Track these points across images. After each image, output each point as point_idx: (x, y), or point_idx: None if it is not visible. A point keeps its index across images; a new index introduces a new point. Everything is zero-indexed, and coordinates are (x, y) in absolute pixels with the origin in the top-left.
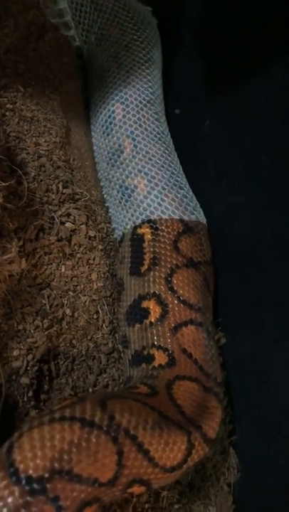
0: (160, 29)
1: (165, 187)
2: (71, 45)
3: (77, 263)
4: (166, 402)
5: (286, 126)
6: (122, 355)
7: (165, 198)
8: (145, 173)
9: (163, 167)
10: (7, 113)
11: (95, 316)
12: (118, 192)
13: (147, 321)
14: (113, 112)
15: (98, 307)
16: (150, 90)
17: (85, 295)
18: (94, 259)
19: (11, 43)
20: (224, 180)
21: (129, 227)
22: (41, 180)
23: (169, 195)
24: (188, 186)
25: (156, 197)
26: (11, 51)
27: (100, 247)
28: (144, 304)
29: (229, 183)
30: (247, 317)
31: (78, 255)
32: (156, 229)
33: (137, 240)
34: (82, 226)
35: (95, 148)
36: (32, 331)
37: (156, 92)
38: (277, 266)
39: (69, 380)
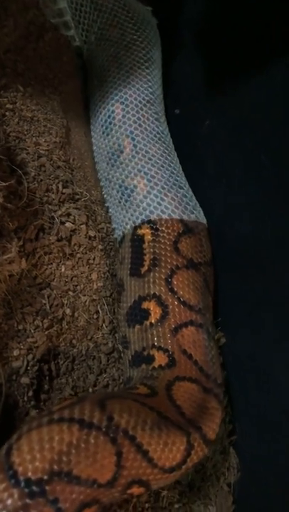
0: (160, 29)
1: (165, 186)
2: (71, 45)
3: (77, 263)
4: (166, 403)
5: (286, 126)
6: (122, 355)
7: (164, 198)
8: (145, 173)
9: (162, 167)
10: (7, 113)
11: (95, 316)
12: (118, 192)
13: (147, 322)
14: (113, 111)
15: (98, 307)
16: (150, 90)
17: (85, 295)
18: (94, 259)
19: (10, 42)
20: (224, 180)
21: (129, 226)
22: (41, 180)
23: (168, 194)
24: (187, 186)
25: (156, 196)
26: (10, 51)
27: (100, 247)
28: (145, 305)
29: (229, 183)
30: (247, 316)
31: (78, 255)
32: (157, 230)
33: (137, 240)
34: (82, 226)
35: (94, 148)
36: (32, 331)
37: (156, 92)
38: (277, 266)
39: (69, 379)
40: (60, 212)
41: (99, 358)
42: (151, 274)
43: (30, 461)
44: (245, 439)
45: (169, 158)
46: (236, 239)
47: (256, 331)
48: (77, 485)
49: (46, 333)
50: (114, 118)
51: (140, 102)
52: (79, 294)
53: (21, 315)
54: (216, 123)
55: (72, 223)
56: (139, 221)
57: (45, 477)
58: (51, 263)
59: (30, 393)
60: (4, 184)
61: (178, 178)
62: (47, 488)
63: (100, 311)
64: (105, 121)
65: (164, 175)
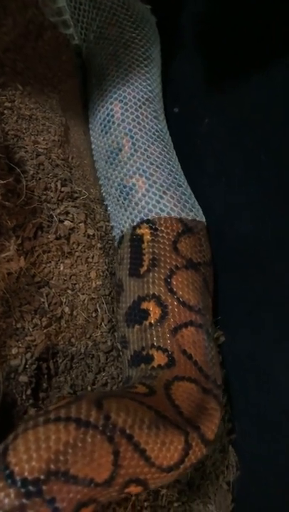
0: (159, 27)
1: (163, 184)
2: (70, 44)
3: (76, 261)
4: (164, 402)
5: (286, 126)
6: (120, 353)
7: (163, 196)
8: (143, 171)
9: (161, 165)
10: (5, 111)
11: (93, 315)
12: (116, 190)
13: (147, 322)
14: (112, 110)
15: (97, 305)
16: (149, 88)
17: (83, 293)
18: (93, 257)
19: (9, 41)
20: (224, 179)
21: (127, 225)
22: (40, 179)
23: (167, 192)
24: (186, 184)
25: (155, 194)
26: (9, 50)
27: (99, 245)
28: (144, 306)
29: (229, 182)
30: (247, 316)
31: (77, 253)
32: (156, 229)
33: (136, 240)
34: (80, 224)
35: (93, 146)
36: (31, 329)
37: (155, 90)
38: (277, 265)
39: (68, 378)
40: (58, 211)
41: (98, 356)
42: (151, 274)
43: (27, 461)
44: (245, 438)
45: (167, 156)
46: (236, 238)
47: (256, 330)
48: (74, 484)
49: (45, 331)
50: (113, 116)
51: (139, 100)
52: (78, 293)
53: (20, 313)
54: (216, 122)
55: (71, 221)
56: (138, 219)
57: (42, 477)
58: (50, 261)
59: (29, 391)
60: (2, 182)
61: (177, 176)
62: (44, 487)
63: (99, 310)
64: (104, 119)
65: (163, 173)
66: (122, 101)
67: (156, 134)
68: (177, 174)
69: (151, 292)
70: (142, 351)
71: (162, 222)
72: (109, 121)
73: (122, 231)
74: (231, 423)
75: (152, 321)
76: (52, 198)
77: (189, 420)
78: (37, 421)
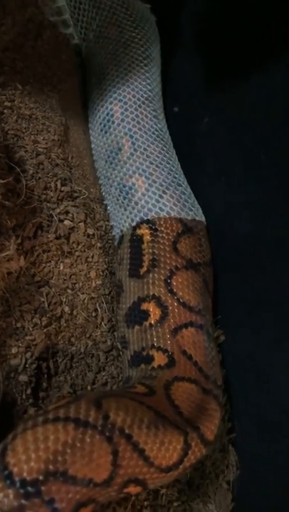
0: (159, 26)
1: (163, 183)
2: (69, 43)
3: (76, 261)
4: (164, 402)
5: (286, 125)
6: (120, 353)
7: (163, 195)
8: (143, 170)
9: (161, 164)
10: (5, 111)
11: (93, 314)
12: (116, 189)
13: (147, 323)
14: (111, 109)
15: (97, 305)
16: (148, 87)
17: (83, 293)
18: (92, 257)
19: (9, 40)
20: (224, 178)
21: (127, 224)
22: (39, 178)
23: (166, 191)
24: (186, 183)
25: (154, 193)
26: (9, 49)
27: (99, 244)
28: (144, 306)
29: (229, 181)
30: (247, 316)
31: (77, 253)
32: (156, 230)
33: (135, 241)
34: (80, 224)
35: (93, 146)
36: (30, 329)
37: (154, 90)
38: (277, 265)
39: (67, 377)
40: (58, 210)
41: (97, 356)
42: (151, 275)
43: (26, 462)
44: (245, 438)
45: (167, 155)
46: (236, 238)
47: (256, 330)
48: (73, 485)
49: (45, 331)
50: (112, 116)
51: (139, 99)
52: (77, 292)
53: (20, 313)
54: (216, 121)
55: (71, 221)
56: (138, 219)
57: (41, 477)
58: (50, 261)
59: (29, 391)
60: (2, 182)
61: (176, 176)
62: (42, 488)
63: (99, 309)
64: (104, 119)
65: (162, 172)
66: (122, 100)
67: (156, 133)
68: (177, 173)
69: (151, 293)
70: (142, 352)
71: (162, 222)
72: (108, 121)
73: (121, 230)
74: (231, 422)
75: (152, 322)
76: (52, 197)
77: (189, 420)
78: (36, 421)
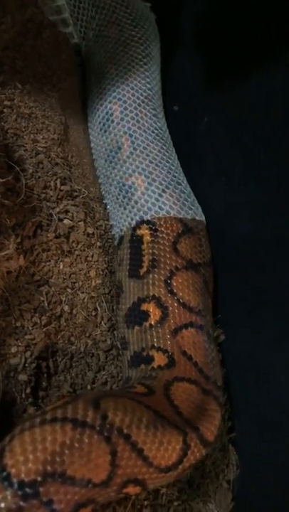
0: (159, 25)
1: (163, 182)
2: (69, 42)
3: (76, 260)
4: (163, 402)
5: (286, 125)
6: (120, 352)
7: (163, 194)
8: (142, 169)
9: (160, 163)
10: (5, 110)
11: (93, 313)
12: (116, 188)
13: (147, 324)
14: (110, 108)
15: (97, 304)
16: (148, 86)
17: (83, 292)
18: (92, 256)
19: (8, 39)
20: (223, 178)
21: (127, 223)
22: (39, 177)
23: (166, 190)
24: (185, 182)
25: (154, 192)
26: (8, 48)
27: (99, 244)
28: (144, 307)
29: (229, 181)
30: (247, 316)
31: (76, 252)
32: (156, 230)
33: (135, 241)
34: (80, 223)
35: (92, 145)
36: (30, 328)
37: (154, 88)
38: (277, 265)
39: (67, 377)
40: (58, 209)
41: (97, 355)
42: (151, 275)
43: (23, 463)
44: (245, 438)
45: (166, 154)
46: (236, 237)
47: (256, 330)
48: (71, 485)
49: (44, 330)
50: (112, 115)
51: (138, 98)
52: (77, 291)
53: (19, 312)
54: (215, 120)
55: (71, 220)
56: (138, 218)
57: (39, 478)
58: (49, 260)
59: (28, 390)
60: (2, 181)
61: (176, 175)
62: (41, 489)
63: (99, 308)
64: (103, 118)
65: (162, 171)
66: (121, 99)
67: (156, 132)
68: (176, 172)
69: (151, 293)
70: (142, 352)
71: (162, 222)
72: (108, 120)
73: (121, 230)
74: (231, 421)
75: (152, 322)
76: (51, 196)
77: (188, 421)
78: (33, 422)
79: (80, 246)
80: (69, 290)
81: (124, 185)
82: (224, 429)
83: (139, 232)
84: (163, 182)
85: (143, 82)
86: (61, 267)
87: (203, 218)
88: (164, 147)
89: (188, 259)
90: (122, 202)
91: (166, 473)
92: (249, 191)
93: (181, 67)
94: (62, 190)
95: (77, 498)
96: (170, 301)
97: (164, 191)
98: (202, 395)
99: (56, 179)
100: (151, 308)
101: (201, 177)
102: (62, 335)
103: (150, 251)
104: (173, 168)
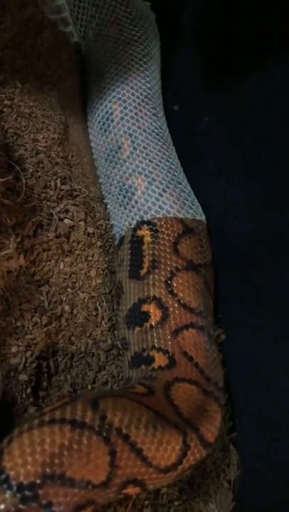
0: (159, 25)
1: (163, 181)
2: (69, 41)
3: (76, 260)
4: (163, 402)
5: (286, 124)
6: (120, 352)
7: (163, 193)
8: (143, 169)
9: (161, 162)
10: (5, 109)
11: (93, 313)
12: (116, 188)
13: (147, 324)
14: (110, 108)
15: (97, 304)
16: (148, 85)
17: (83, 292)
18: (93, 255)
19: (8, 38)
20: (223, 177)
21: (127, 223)
22: (39, 177)
23: (166, 189)
24: (185, 181)
25: (154, 191)
26: (8, 47)
27: (99, 243)
28: (144, 308)
29: (229, 180)
30: (247, 315)
31: (77, 252)
32: (156, 231)
33: (136, 242)
34: (80, 223)
35: (92, 144)
36: (30, 328)
37: (154, 88)
38: (277, 264)
39: (68, 377)
40: (58, 209)
41: (98, 355)
42: (151, 276)
43: (22, 465)
44: (245, 437)
45: (166, 153)
46: (236, 237)
47: (256, 329)
48: (70, 487)
49: (45, 329)
50: (112, 114)
51: (138, 97)
52: (78, 291)
53: (19, 312)
54: (215, 120)
55: (71, 220)
56: (138, 217)
57: (38, 481)
58: (50, 260)
59: (29, 390)
60: (2, 180)
61: (176, 174)
62: (40, 492)
63: (99, 308)
64: (103, 117)
65: (162, 170)
66: (121, 98)
67: (156, 131)
68: (176, 171)
69: (151, 294)
70: (143, 352)
71: (162, 223)
72: (108, 119)
73: (121, 229)
74: (232, 421)
75: (153, 323)
76: (52, 196)
77: (188, 421)
78: (32, 423)
79: (80, 246)
80: (69, 290)
81: (124, 184)
82: (225, 429)
83: (139, 232)
84: (163, 181)
85: (143, 81)
86: (61, 266)
87: (203, 217)
88: (164, 146)
89: (188, 260)
90: (122, 201)
91: (165, 474)
92: (249, 190)
93: (181, 66)
94: (62, 190)
95: (77, 500)
96: (171, 302)
97: (164, 190)
98: (203, 396)
99: (56, 179)
100: (151, 309)
101: (201, 176)
102: (62, 335)
103: (150, 252)
104: (173, 167)
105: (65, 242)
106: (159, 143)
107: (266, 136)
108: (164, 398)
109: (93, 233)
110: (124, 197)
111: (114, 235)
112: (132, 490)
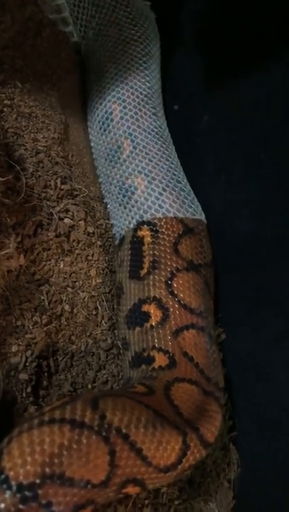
0: (159, 24)
1: (162, 180)
2: (69, 41)
3: (76, 259)
4: (163, 402)
5: (286, 124)
6: (121, 351)
7: (163, 192)
8: (142, 168)
9: (160, 161)
10: (5, 109)
11: (94, 312)
12: (116, 187)
13: (148, 325)
14: (110, 107)
15: (97, 303)
16: (148, 85)
17: (83, 291)
18: (93, 255)
19: (8, 38)
20: (223, 177)
21: (127, 222)
22: (39, 176)
23: (166, 188)
24: (185, 180)
25: (154, 190)
26: (8, 47)
27: (99, 243)
28: (145, 308)
29: (229, 180)
30: (247, 314)
31: (77, 251)
32: (156, 231)
33: (136, 243)
34: (80, 222)
35: (92, 144)
36: (31, 327)
37: (154, 87)
38: (277, 263)
39: (68, 376)
40: (58, 209)
41: (98, 354)
42: (151, 276)
43: (22, 466)
44: (245, 436)
45: (166, 152)
46: (236, 236)
47: (256, 329)
48: (70, 487)
49: (45, 329)
50: (111, 114)
51: (138, 97)
52: (78, 291)
53: (20, 311)
54: (215, 119)
55: (71, 219)
56: (138, 216)
57: (38, 481)
58: (50, 259)
59: (29, 389)
60: (2, 180)
61: (175, 173)
62: (39, 492)
63: (99, 308)
64: (102, 116)
65: (162, 169)
66: (121, 98)
67: (155, 130)
68: (176, 170)
69: (152, 295)
70: (143, 353)
71: (163, 223)
72: (108, 119)
73: (121, 228)
74: (232, 420)
75: (153, 324)
76: (52, 195)
77: (188, 421)
78: (31, 423)
79: (80, 245)
80: (69, 289)
81: (124, 184)
82: (225, 428)
83: (139, 233)
84: (163, 180)
85: (143, 81)
86: (61, 266)
87: (203, 216)
88: (164, 145)
89: (189, 260)
90: (122, 201)
91: (165, 474)
92: (249, 190)
93: (181, 66)
94: (62, 189)
95: (76, 500)
96: (171, 303)
97: (163, 189)
98: (203, 396)
99: (56, 178)
100: (152, 309)
101: (201, 176)
102: (62, 334)
103: (151, 252)
104: (172, 166)
105: (65, 242)
106: (159, 142)
107: (266, 135)
108: (164, 398)
109: (93, 232)
110: (124, 196)
111: (114, 234)
112: (131, 489)
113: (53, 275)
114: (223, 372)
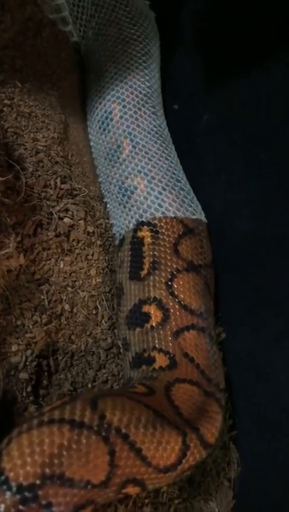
0: (159, 24)
1: (162, 180)
2: (69, 41)
3: (76, 259)
4: (163, 402)
5: (286, 123)
6: (121, 351)
7: (162, 191)
8: (142, 167)
9: (160, 161)
10: (5, 108)
11: (94, 312)
12: (116, 187)
13: (148, 325)
14: (110, 107)
15: (97, 303)
16: (147, 84)
17: (83, 290)
18: (92, 254)
19: (8, 38)
20: (223, 176)
21: (127, 222)
22: (39, 176)
23: (166, 188)
24: (185, 179)
25: (153, 190)
26: (8, 47)
27: (99, 242)
28: (145, 309)
29: (228, 180)
30: (247, 314)
31: (77, 251)
32: (156, 232)
33: (136, 243)
34: (80, 222)
35: (92, 144)
36: (31, 327)
37: (153, 87)
38: (277, 263)
39: (68, 375)
40: (58, 208)
41: (98, 353)
42: (151, 277)
43: (22, 466)
44: (245, 436)
45: (166, 152)
46: (236, 236)
47: (256, 329)
48: (70, 487)
49: (45, 328)
50: (111, 113)
51: (137, 96)
52: (78, 290)
53: (20, 310)
54: (215, 119)
55: (71, 219)
56: (137, 216)
57: (38, 482)
58: (50, 259)
59: (29, 388)
60: (2, 179)
61: (175, 172)
62: (39, 492)
63: (99, 307)
64: (102, 116)
65: (162, 169)
66: (121, 97)
67: (155, 129)
68: (176, 170)
69: (152, 295)
70: (144, 353)
71: (163, 224)
72: (107, 118)
73: (121, 228)
74: (232, 420)
75: (154, 324)
76: (51, 195)
77: (189, 421)
78: (31, 424)
79: (80, 245)
80: (69, 289)
81: (123, 183)
82: (225, 428)
83: (139, 234)
84: (162, 180)
85: (142, 80)
86: (61, 265)
87: (202, 216)
88: (164, 145)
89: (189, 261)
90: (122, 200)
91: (164, 474)
92: (249, 190)
93: (180, 65)
94: (62, 189)
95: (76, 500)
96: (171, 303)
97: (163, 189)
98: (203, 397)
99: (56, 178)
100: (152, 310)
101: (200, 176)
102: (62, 333)
103: (151, 253)
104: (172, 166)
105: (65, 241)
106: (158, 142)
107: (266, 135)
108: (165, 398)
109: (93, 232)
110: (124, 196)
111: (114, 234)
112: (131, 489)
113: (52, 275)
114: (223, 372)
